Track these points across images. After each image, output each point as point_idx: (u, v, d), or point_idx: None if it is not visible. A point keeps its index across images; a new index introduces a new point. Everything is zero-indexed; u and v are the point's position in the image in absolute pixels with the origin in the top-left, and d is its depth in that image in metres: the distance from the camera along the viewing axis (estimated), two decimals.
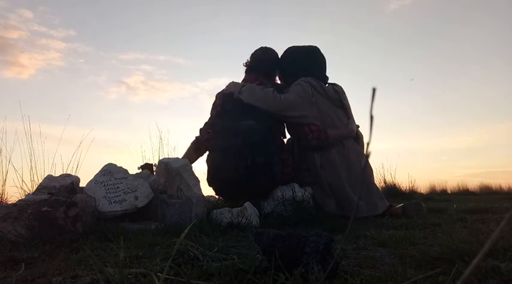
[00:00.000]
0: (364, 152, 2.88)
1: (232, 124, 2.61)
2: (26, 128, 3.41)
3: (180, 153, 4.75)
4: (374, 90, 0.39)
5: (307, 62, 2.95)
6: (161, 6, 9.35)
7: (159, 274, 0.96)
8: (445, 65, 11.44)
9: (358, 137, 2.99)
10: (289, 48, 3.07)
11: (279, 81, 3.16)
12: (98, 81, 9.05)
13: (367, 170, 2.96)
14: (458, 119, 12.11)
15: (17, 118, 3.43)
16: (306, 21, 9.81)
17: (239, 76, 3.13)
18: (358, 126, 3.02)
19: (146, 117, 9.25)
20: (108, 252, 1.33)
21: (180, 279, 0.93)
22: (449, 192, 8.28)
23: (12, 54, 7.83)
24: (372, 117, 0.41)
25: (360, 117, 3.05)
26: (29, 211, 1.58)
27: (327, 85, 2.93)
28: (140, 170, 2.89)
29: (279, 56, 3.09)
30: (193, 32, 9.75)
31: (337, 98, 2.88)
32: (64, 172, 2.63)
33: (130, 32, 9.66)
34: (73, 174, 2.44)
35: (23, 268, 1.13)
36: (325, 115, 2.79)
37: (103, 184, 2.21)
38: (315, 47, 3.04)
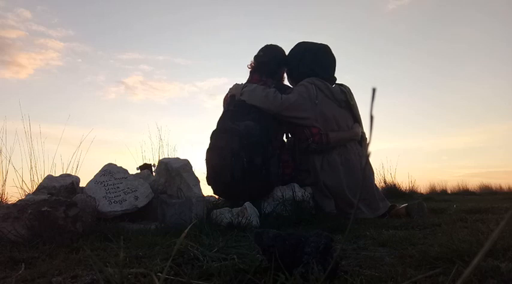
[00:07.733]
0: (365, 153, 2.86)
1: (231, 124, 2.60)
2: (26, 128, 3.42)
3: (180, 153, 4.77)
4: (374, 90, 0.39)
5: (315, 61, 2.86)
6: (160, 6, 9.34)
7: (159, 274, 0.96)
8: (445, 64, 11.45)
9: (363, 139, 2.93)
10: (298, 44, 2.98)
11: (287, 82, 3.08)
12: (97, 81, 9.05)
13: (368, 172, 2.92)
14: (458, 119, 12.12)
15: (17, 118, 3.44)
16: (305, 22, 9.82)
17: (238, 76, 3.12)
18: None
19: (145, 117, 9.26)
20: (108, 252, 1.33)
21: (180, 279, 0.93)
22: (449, 192, 8.28)
23: (10, 54, 7.82)
24: (371, 117, 0.41)
25: None
26: (29, 211, 1.58)
27: (333, 85, 2.86)
28: (139, 171, 2.89)
29: (286, 53, 3.01)
30: (193, 32, 9.77)
31: (344, 99, 2.83)
32: (64, 172, 2.64)
33: (129, 32, 9.65)
34: (73, 174, 2.45)
35: (23, 268, 1.13)
36: (328, 117, 2.74)
37: (103, 184, 2.21)
38: (325, 45, 2.96)
